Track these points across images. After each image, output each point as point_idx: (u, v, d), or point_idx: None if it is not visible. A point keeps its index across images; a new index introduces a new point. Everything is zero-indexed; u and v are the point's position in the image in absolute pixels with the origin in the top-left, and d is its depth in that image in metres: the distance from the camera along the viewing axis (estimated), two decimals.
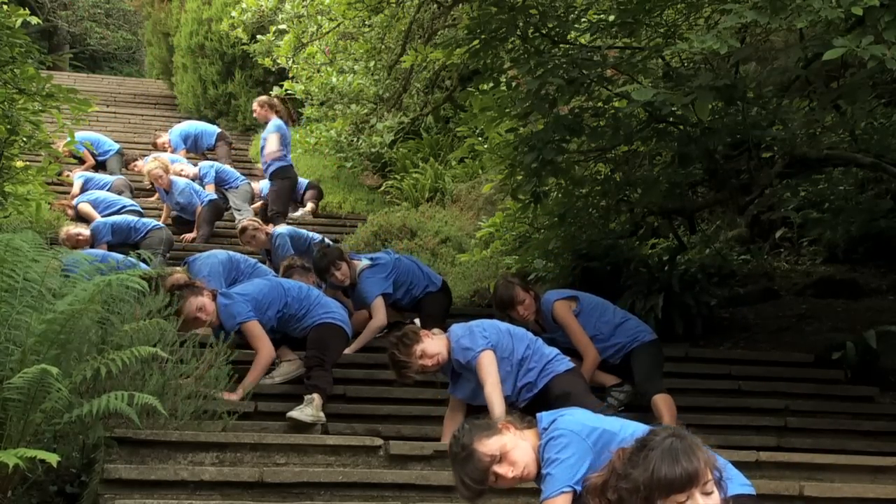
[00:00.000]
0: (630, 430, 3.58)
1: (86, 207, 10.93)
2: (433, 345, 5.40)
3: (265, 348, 6.16)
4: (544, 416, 3.68)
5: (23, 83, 7.43)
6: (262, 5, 12.26)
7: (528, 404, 5.36)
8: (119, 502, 4.42)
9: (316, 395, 5.93)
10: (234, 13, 12.68)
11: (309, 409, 5.83)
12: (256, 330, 6.21)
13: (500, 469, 3.55)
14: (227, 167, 12.07)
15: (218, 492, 4.62)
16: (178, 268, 7.94)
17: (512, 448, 3.59)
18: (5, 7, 7.52)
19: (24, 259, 4.84)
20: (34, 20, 8.08)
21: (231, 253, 8.31)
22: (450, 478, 4.81)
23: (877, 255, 9.48)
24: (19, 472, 4.45)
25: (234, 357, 6.00)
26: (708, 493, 2.80)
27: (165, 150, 13.52)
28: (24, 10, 7.82)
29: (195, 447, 4.89)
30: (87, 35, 26.89)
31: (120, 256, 7.68)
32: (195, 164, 12.38)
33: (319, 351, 6.21)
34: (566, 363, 5.53)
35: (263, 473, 4.69)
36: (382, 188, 13.53)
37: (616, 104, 7.65)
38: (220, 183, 11.55)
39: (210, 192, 11.33)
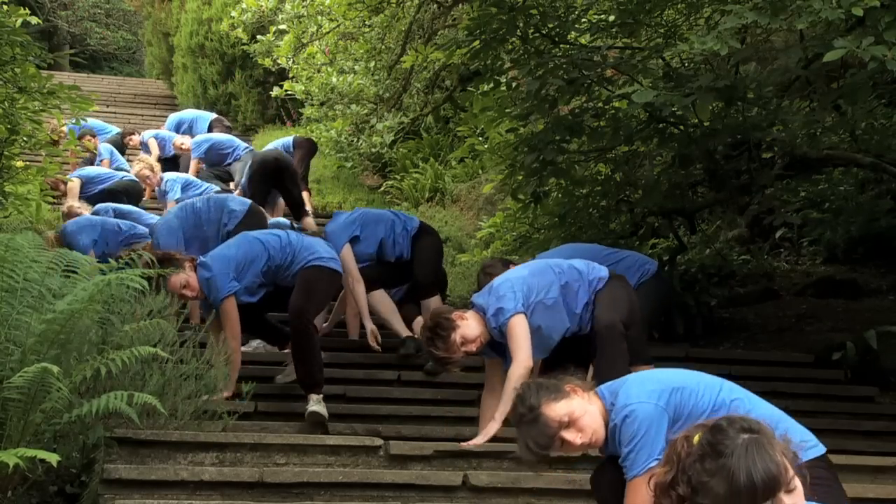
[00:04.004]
0: (696, 378, 3.53)
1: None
2: (471, 327, 5.17)
3: (231, 331, 6.07)
4: (605, 392, 3.58)
5: (23, 82, 7.43)
6: (262, 5, 12.27)
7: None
8: (119, 502, 4.42)
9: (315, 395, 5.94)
10: (234, 13, 12.69)
11: (321, 405, 5.84)
12: (228, 308, 6.10)
13: (568, 435, 3.46)
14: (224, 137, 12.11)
15: (218, 492, 4.61)
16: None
17: (581, 414, 3.48)
18: (5, 7, 7.52)
19: (24, 259, 4.84)
20: (34, 20, 8.09)
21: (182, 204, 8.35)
22: (450, 478, 4.84)
23: (877, 255, 9.49)
24: (19, 472, 4.44)
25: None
26: (791, 490, 2.62)
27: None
28: (24, 9, 7.83)
29: (195, 447, 4.89)
30: (87, 35, 26.90)
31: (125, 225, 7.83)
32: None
33: (302, 308, 6.02)
34: (605, 271, 5.48)
35: (263, 473, 4.69)
36: (382, 188, 13.53)
37: (616, 104, 7.66)
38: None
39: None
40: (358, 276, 6.93)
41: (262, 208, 8.64)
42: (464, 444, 5.17)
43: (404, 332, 6.92)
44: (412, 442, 5.34)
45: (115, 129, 13.51)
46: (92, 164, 11.96)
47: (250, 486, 4.66)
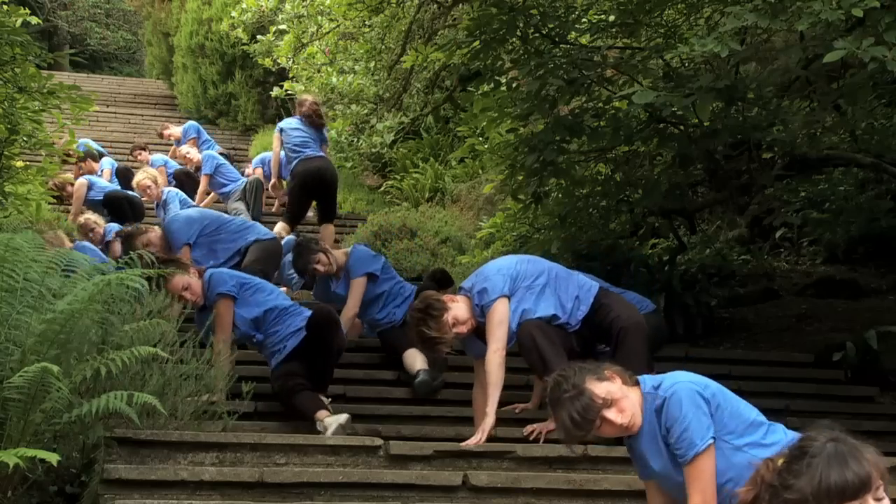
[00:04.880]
0: (737, 397, 3.65)
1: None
2: (461, 309, 5.22)
3: (221, 334, 6.00)
4: (647, 380, 3.68)
5: (23, 82, 7.44)
6: (262, 5, 12.27)
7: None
8: (119, 502, 4.42)
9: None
10: (234, 13, 12.68)
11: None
12: (223, 309, 6.05)
13: (610, 414, 3.54)
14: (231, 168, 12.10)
15: (218, 492, 4.61)
16: (155, 227, 7.97)
17: (622, 396, 3.58)
18: (5, 7, 7.52)
19: (24, 259, 4.84)
20: (34, 20, 8.08)
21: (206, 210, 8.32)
22: (450, 478, 4.83)
23: (877, 255, 9.49)
24: (19, 472, 4.44)
25: (233, 357, 6.01)
26: (879, 499, 2.64)
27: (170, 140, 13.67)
28: (24, 9, 7.83)
29: (195, 447, 4.89)
30: (87, 35, 26.91)
31: None
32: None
33: (331, 313, 6.08)
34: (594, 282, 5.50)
35: (263, 473, 4.69)
36: (382, 188, 13.53)
37: (616, 104, 7.66)
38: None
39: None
40: (356, 309, 6.83)
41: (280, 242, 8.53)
42: (464, 444, 5.18)
43: (417, 366, 6.58)
44: (412, 442, 5.35)
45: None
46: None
47: (250, 486, 4.66)
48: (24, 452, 4.09)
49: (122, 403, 4.45)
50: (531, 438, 5.53)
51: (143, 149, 13.38)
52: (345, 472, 4.87)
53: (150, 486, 4.55)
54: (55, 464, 4.05)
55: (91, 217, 9.61)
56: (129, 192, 11.09)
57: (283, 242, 9.21)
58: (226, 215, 8.43)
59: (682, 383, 3.58)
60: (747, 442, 3.54)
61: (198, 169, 11.98)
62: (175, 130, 13.80)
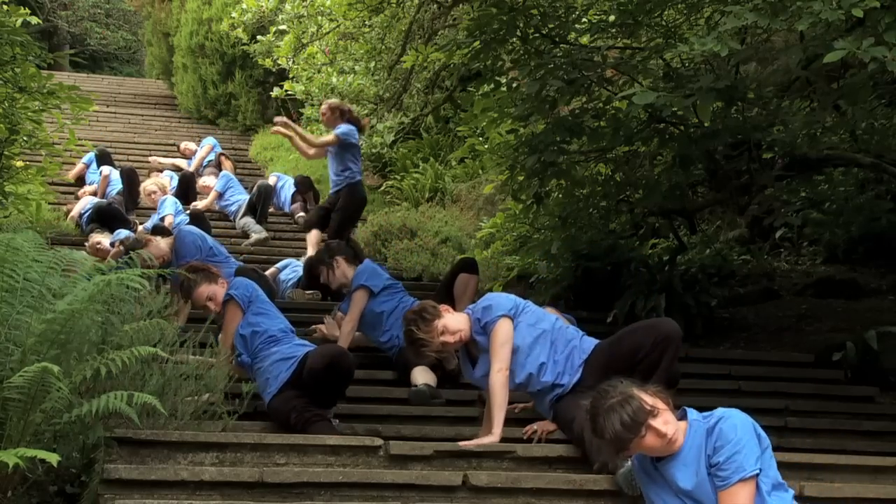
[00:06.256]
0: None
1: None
2: (455, 320, 5.24)
3: (224, 336, 5.93)
4: (692, 411, 3.74)
5: (23, 82, 7.44)
6: (262, 6, 12.27)
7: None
8: (119, 502, 4.42)
9: None
10: (234, 13, 12.69)
11: None
12: (230, 314, 5.97)
13: (656, 422, 3.58)
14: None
15: (218, 492, 4.61)
16: (156, 238, 7.98)
17: (665, 409, 3.64)
18: (5, 7, 7.53)
19: (25, 259, 4.84)
20: (34, 20, 8.08)
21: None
22: (450, 478, 4.83)
23: (877, 255, 9.49)
24: (19, 472, 4.45)
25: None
26: None
27: (186, 156, 13.83)
28: (24, 9, 7.83)
29: (195, 447, 4.89)
30: (87, 35, 26.91)
31: None
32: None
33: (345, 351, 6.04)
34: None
35: (263, 473, 4.69)
36: (382, 188, 13.53)
37: (616, 105, 7.66)
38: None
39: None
40: (353, 323, 6.76)
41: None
42: (462, 444, 5.18)
43: (420, 380, 6.50)
44: (412, 442, 5.34)
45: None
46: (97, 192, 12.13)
47: (250, 486, 4.66)
48: (24, 452, 4.08)
49: (122, 403, 4.44)
50: (526, 437, 5.54)
51: (160, 170, 13.47)
52: (345, 472, 4.87)
53: (150, 486, 4.55)
54: (55, 464, 4.04)
55: (95, 238, 9.76)
56: (103, 202, 11.27)
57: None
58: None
59: (739, 412, 3.65)
60: (779, 495, 3.59)
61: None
62: (192, 146, 13.98)
